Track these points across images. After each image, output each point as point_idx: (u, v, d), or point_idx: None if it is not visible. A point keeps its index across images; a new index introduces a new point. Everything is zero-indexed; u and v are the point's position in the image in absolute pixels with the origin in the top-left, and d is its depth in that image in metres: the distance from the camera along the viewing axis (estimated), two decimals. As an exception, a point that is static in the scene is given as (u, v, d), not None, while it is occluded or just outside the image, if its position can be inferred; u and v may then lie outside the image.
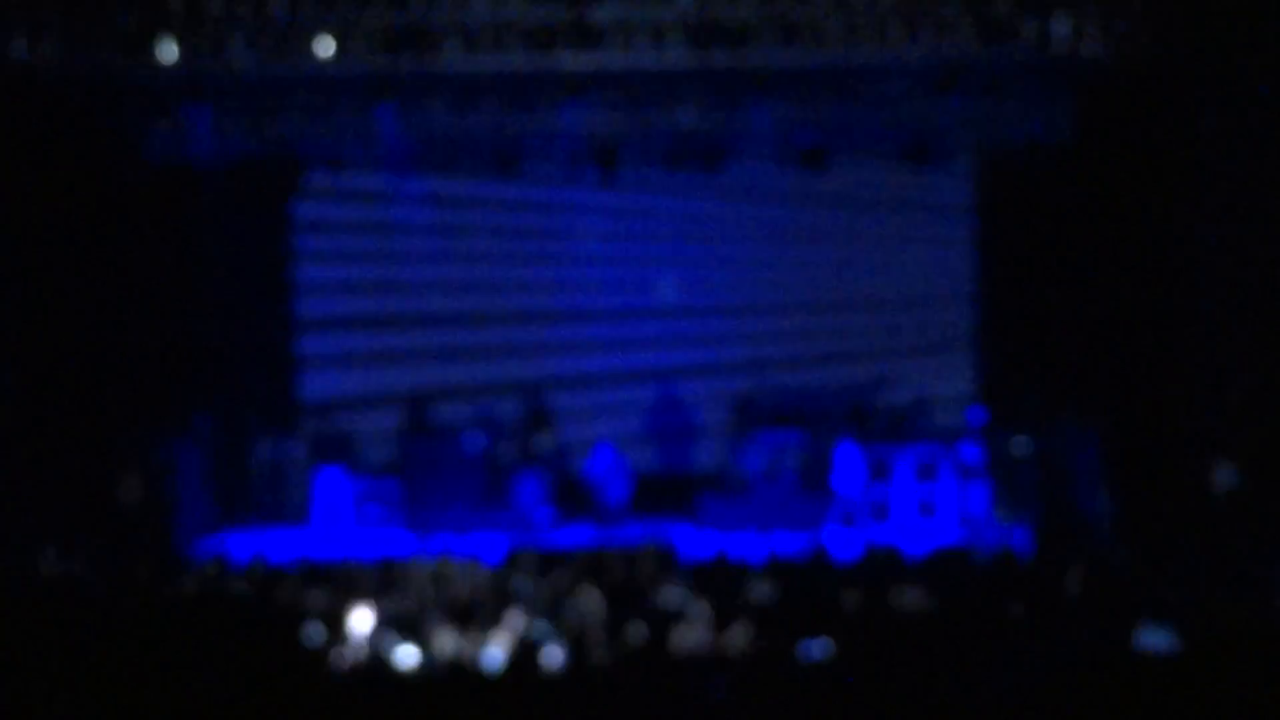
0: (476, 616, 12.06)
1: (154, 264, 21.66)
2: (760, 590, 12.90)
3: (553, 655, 10.76)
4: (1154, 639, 7.77)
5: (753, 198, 24.22)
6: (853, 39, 19.25)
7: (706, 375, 24.54)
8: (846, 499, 21.27)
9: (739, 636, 11.05)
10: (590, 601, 12.47)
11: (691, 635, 11.22)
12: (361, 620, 11.87)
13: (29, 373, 19.02)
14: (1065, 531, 18.71)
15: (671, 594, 12.85)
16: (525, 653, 10.83)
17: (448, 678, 10.17)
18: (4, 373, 18.75)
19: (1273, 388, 17.35)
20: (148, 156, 21.77)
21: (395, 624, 11.87)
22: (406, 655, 11.06)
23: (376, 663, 10.94)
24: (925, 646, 9.73)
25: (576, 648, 10.94)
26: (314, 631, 11.58)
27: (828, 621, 10.87)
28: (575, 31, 19.19)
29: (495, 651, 11.06)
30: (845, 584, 12.89)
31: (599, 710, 9.10)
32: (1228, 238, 18.28)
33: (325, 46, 19.02)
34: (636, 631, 11.22)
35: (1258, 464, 16.49)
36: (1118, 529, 18.53)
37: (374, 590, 13.37)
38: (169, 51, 18.84)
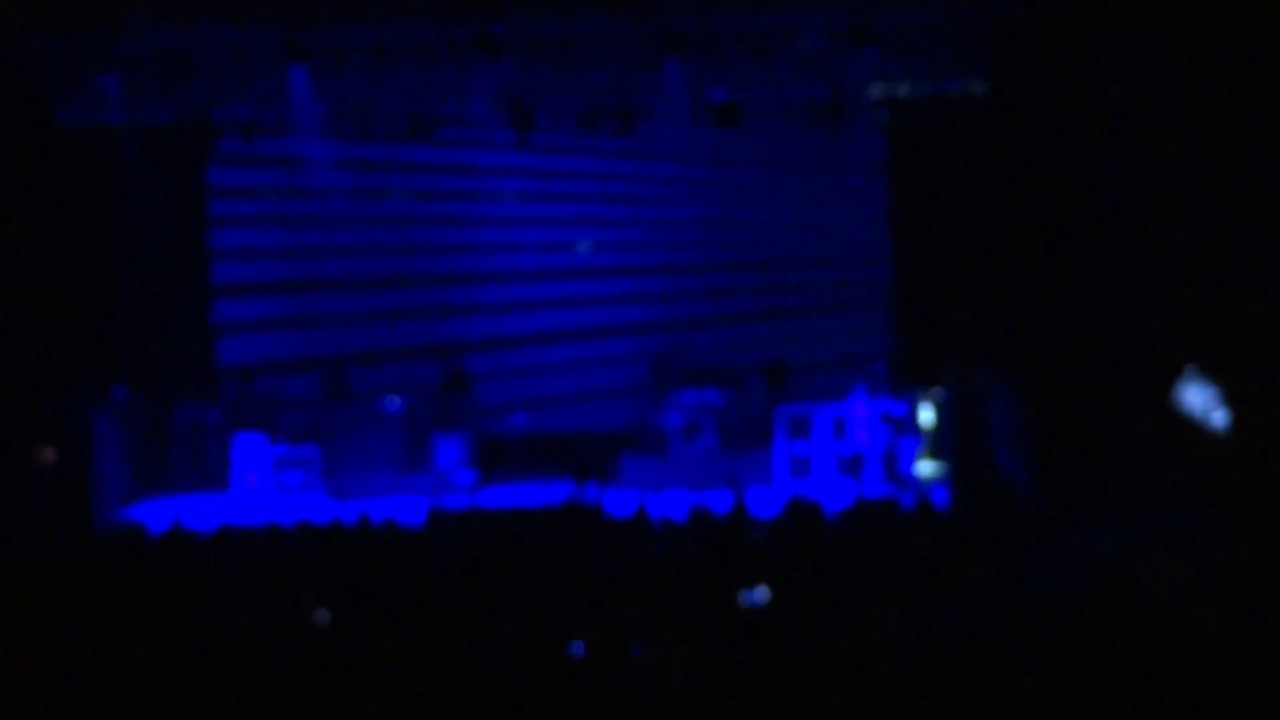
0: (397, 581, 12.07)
1: (68, 232, 21.55)
2: (682, 547, 12.95)
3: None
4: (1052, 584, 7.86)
5: (668, 157, 24.24)
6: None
7: (624, 335, 24.57)
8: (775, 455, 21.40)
9: (660, 593, 11.09)
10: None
11: (614, 593, 11.25)
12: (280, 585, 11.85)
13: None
14: (982, 484, 18.85)
15: (596, 552, 12.88)
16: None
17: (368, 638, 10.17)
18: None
19: (1185, 339, 17.52)
20: (61, 124, 21.64)
21: (314, 588, 11.86)
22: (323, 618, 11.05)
23: (295, 625, 10.92)
24: (844, 598, 9.81)
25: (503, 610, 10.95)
26: (234, 597, 11.56)
27: (750, 576, 10.93)
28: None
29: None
30: (766, 539, 12.97)
31: (524, 672, 9.12)
32: (1140, 188, 18.42)
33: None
34: (560, 591, 11.25)
35: (1169, 414, 16.66)
36: (1033, 481, 18.68)
37: (294, 555, 13.35)
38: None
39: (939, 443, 20.93)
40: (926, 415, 21.45)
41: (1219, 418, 14.50)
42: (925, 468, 21.31)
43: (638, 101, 22.30)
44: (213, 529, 14.42)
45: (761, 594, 10.23)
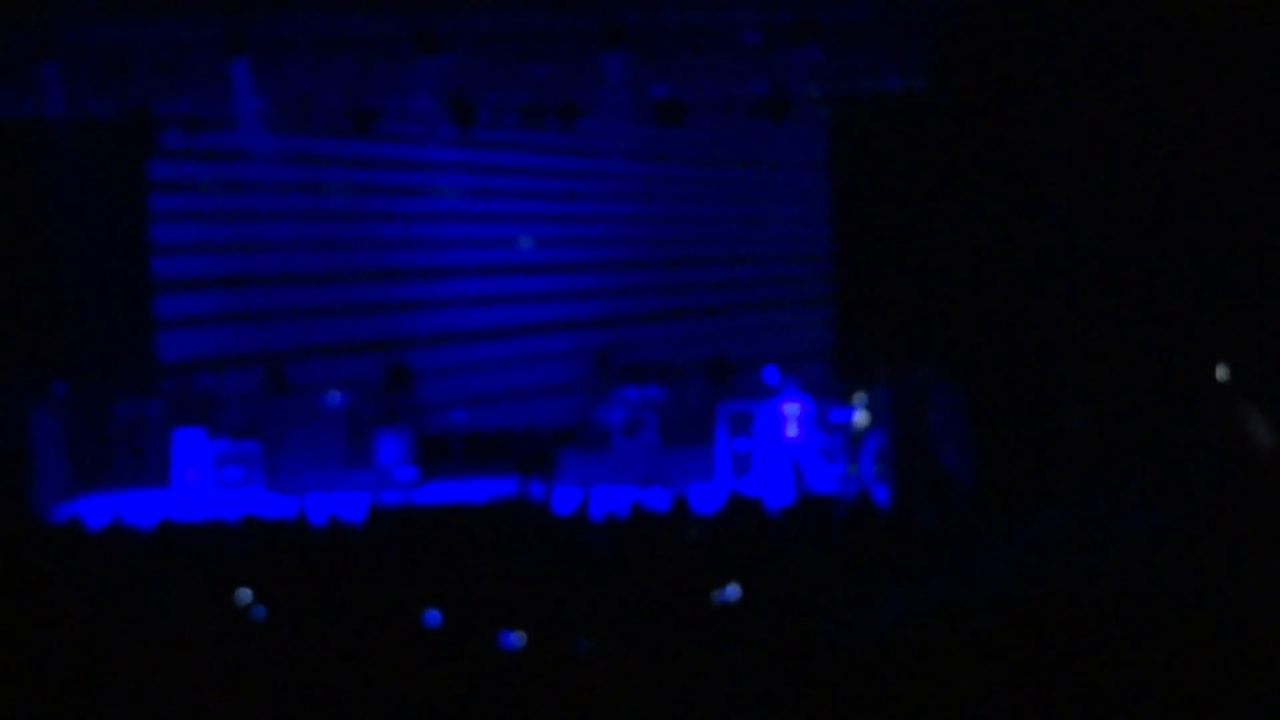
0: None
1: (6, 226, 21.43)
2: (623, 544, 12.96)
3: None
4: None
5: (609, 153, 24.25)
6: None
7: (566, 331, 24.58)
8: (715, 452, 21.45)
9: (601, 590, 11.10)
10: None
11: (555, 588, 11.25)
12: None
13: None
14: (923, 481, 18.92)
15: (538, 548, 12.89)
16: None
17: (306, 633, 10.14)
18: None
19: (1124, 335, 17.61)
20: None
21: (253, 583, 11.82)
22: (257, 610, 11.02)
23: (234, 621, 10.90)
24: (785, 594, 9.84)
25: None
26: (173, 592, 11.51)
27: (693, 574, 10.95)
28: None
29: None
30: (708, 536, 12.99)
31: (466, 665, 9.12)
32: (1078, 184, 18.51)
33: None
34: (500, 587, 11.25)
35: (1110, 410, 16.74)
36: (973, 479, 18.76)
37: (234, 550, 13.32)
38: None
39: (879, 441, 20.98)
40: (861, 413, 21.51)
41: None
42: (864, 466, 21.36)
43: (579, 97, 22.33)
44: (153, 525, 14.36)
45: (734, 592, 10.25)
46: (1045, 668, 3.93)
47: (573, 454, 21.74)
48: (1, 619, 9.46)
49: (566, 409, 23.51)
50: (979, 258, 20.10)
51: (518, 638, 9.41)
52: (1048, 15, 18.73)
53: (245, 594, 11.15)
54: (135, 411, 22.47)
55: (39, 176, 22.15)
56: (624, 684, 8.11)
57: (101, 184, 22.92)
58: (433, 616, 10.31)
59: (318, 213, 24.55)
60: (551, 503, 16.06)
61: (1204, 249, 16.73)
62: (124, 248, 23.56)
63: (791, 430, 21.12)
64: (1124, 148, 17.48)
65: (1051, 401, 18.45)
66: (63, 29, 20.46)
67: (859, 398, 21.69)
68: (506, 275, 24.77)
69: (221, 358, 23.96)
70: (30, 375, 21.03)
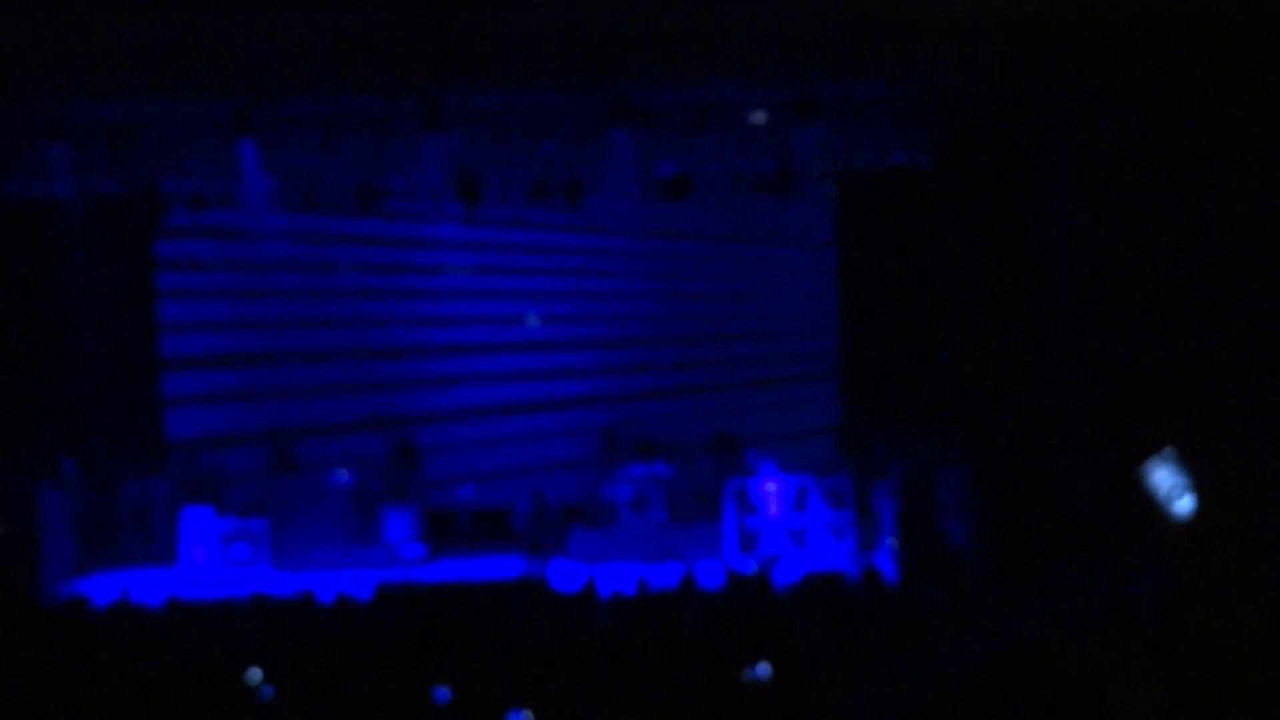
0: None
1: (14, 304, 21.49)
2: (631, 621, 12.95)
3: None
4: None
5: (616, 230, 24.28)
6: (714, 72, 19.40)
7: (573, 408, 24.57)
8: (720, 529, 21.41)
9: (609, 668, 11.08)
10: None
11: (563, 666, 11.24)
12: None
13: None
14: (929, 557, 18.89)
15: (544, 626, 12.88)
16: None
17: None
18: None
19: (1129, 413, 17.62)
20: (7, 195, 21.61)
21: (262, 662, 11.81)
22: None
23: (242, 699, 10.89)
24: (794, 671, 9.82)
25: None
26: (181, 671, 11.51)
27: (700, 650, 10.93)
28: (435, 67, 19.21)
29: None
30: (717, 613, 12.98)
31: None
32: (1086, 259, 18.55)
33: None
34: (507, 665, 11.24)
35: (1115, 486, 16.73)
36: (980, 554, 18.73)
37: (242, 629, 13.31)
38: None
39: (887, 517, 20.95)
40: (874, 489, 21.49)
41: (1184, 503, 14.54)
42: (873, 542, 21.34)
43: (586, 174, 22.36)
44: (160, 603, 14.36)
45: (764, 670, 10.24)
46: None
47: (580, 531, 21.70)
48: (10, 698, 9.46)
49: (574, 486, 23.47)
50: (986, 335, 20.13)
51: (525, 716, 9.41)
52: (1054, 94, 18.82)
53: (255, 673, 11.16)
54: (143, 490, 22.42)
55: (48, 255, 22.20)
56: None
57: (109, 262, 22.95)
58: (442, 694, 10.31)
59: (325, 291, 24.60)
60: (558, 581, 16.05)
61: (1210, 332, 16.77)
62: (132, 326, 23.58)
63: (801, 506, 21.12)
64: (1130, 227, 17.54)
65: (1058, 480, 18.46)
66: (71, 109, 20.55)
67: (868, 473, 21.67)
68: (514, 352, 24.78)
69: (229, 436, 23.95)
70: (38, 453, 21.03)
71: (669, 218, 24.25)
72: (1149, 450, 15.11)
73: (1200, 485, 14.51)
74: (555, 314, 24.87)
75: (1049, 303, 19.22)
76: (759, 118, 21.25)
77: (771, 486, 21.25)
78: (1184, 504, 14.35)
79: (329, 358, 24.42)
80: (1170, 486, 14.44)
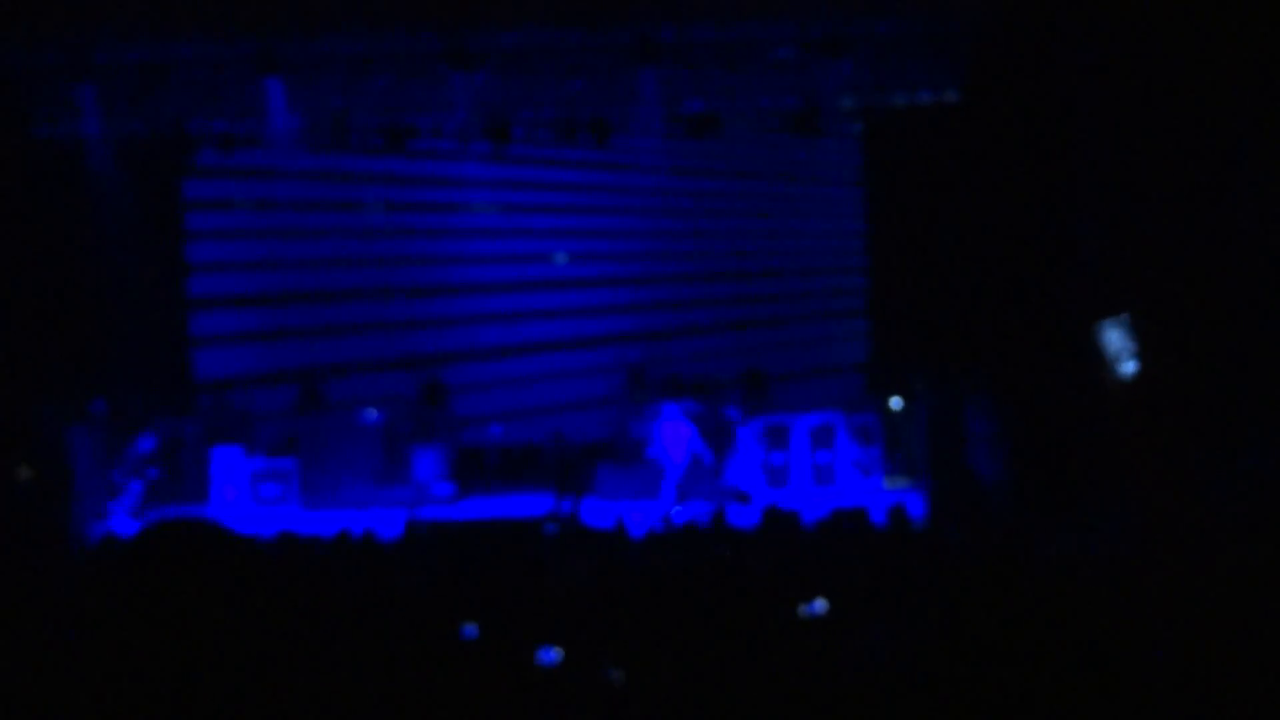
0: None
1: (44, 245, 21.52)
2: (661, 557, 12.98)
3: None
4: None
5: (643, 168, 24.25)
6: (741, 8, 19.36)
7: (601, 346, 24.59)
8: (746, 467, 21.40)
9: (639, 605, 11.11)
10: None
11: (593, 603, 11.27)
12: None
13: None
14: (957, 493, 18.89)
15: (574, 563, 12.91)
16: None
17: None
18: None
19: (1158, 345, 17.57)
20: (36, 136, 21.65)
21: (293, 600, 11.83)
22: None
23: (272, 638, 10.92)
24: (801, 610, 9.85)
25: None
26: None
27: (729, 588, 10.96)
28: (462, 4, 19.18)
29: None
30: (745, 549, 13.00)
31: (504, 680, 9.14)
32: (1113, 192, 18.48)
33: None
34: (536, 603, 11.27)
35: (1141, 419, 16.71)
36: (1008, 488, 18.72)
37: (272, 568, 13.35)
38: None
39: (915, 453, 20.95)
40: (902, 425, 21.50)
41: (1128, 366, 14.73)
42: (900, 478, 21.37)
43: (613, 113, 22.33)
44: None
45: (820, 606, 10.24)
46: (1086, 676, 3.94)
47: (608, 468, 21.73)
48: (44, 637, 9.52)
49: (602, 423, 23.49)
50: (1014, 268, 20.07)
51: (556, 653, 9.44)
52: (1080, 25, 18.71)
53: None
54: (173, 430, 22.50)
55: (76, 196, 22.22)
56: (661, 699, 8.14)
57: (137, 203, 22.98)
58: (470, 631, 10.34)
59: (353, 230, 24.63)
60: (587, 518, 16.08)
61: (1241, 258, 16.69)
62: (160, 266, 23.64)
63: (829, 443, 21.15)
64: (1157, 156, 17.45)
65: (1086, 413, 18.42)
66: (99, 50, 20.56)
67: (896, 409, 21.69)
68: (541, 291, 24.80)
69: (258, 375, 24.03)
70: (68, 395, 21.09)
71: (696, 155, 24.23)
72: (1182, 381, 15.10)
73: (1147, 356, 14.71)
74: (582, 252, 24.88)
75: (1076, 233, 19.15)
76: (786, 54, 21.18)
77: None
78: (1128, 366, 14.59)
79: (357, 297, 24.47)
80: (1119, 348, 14.67)
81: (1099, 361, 14.84)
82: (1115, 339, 14.63)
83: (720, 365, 24.00)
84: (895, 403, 21.88)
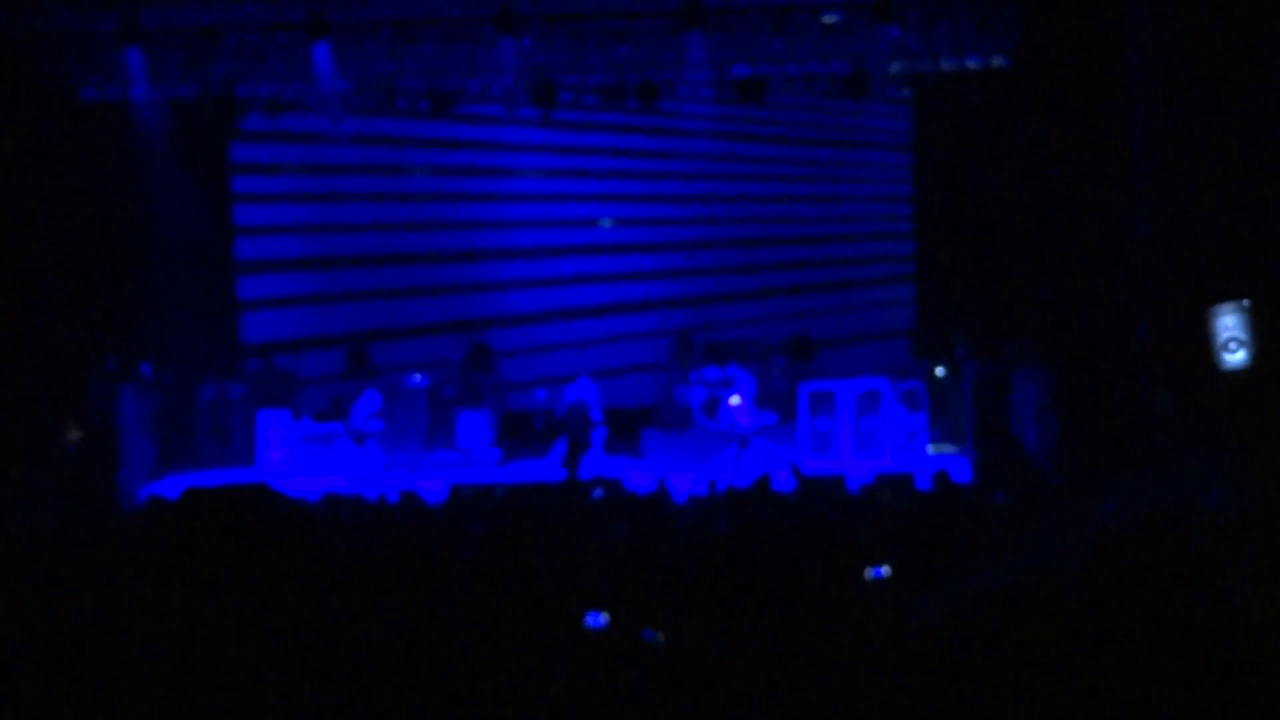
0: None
1: (92, 209, 21.60)
2: (706, 522, 12.97)
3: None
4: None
5: (690, 133, 24.22)
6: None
7: (647, 311, 24.58)
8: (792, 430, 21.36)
9: (685, 570, 11.10)
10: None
11: (639, 568, 11.26)
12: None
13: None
14: (1003, 460, 18.83)
15: (617, 528, 12.91)
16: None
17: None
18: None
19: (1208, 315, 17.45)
20: (85, 99, 21.72)
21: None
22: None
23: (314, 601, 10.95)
24: (865, 574, 9.82)
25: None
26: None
27: (773, 552, 10.94)
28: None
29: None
30: (789, 514, 12.98)
31: (551, 645, 9.15)
32: (1164, 161, 18.34)
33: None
34: (580, 568, 11.27)
35: (1192, 390, 16.60)
36: (1054, 456, 18.66)
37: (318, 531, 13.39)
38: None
39: (961, 419, 20.89)
40: (949, 391, 21.44)
41: (1237, 356, 14.41)
42: (946, 443, 21.32)
43: (660, 77, 22.29)
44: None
45: (884, 570, 10.22)
46: (1127, 643, 3.92)
47: (653, 433, 21.74)
48: (88, 598, 9.56)
49: (648, 389, 23.50)
50: (1063, 236, 19.96)
51: (603, 617, 9.44)
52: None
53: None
54: (220, 392, 22.58)
55: (124, 160, 22.28)
56: (704, 663, 8.13)
57: (185, 166, 23.04)
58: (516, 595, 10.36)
59: (400, 194, 24.66)
60: (631, 482, 16.06)
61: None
62: (208, 230, 23.71)
63: (874, 409, 21.08)
64: (1213, 123, 17.30)
65: (1135, 383, 18.33)
66: (147, 14, 20.60)
67: (943, 375, 21.63)
68: (588, 256, 24.80)
69: (304, 339, 24.10)
70: (117, 357, 21.17)
71: (743, 120, 24.18)
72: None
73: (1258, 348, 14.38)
74: (628, 217, 24.86)
75: (1127, 204, 19.03)
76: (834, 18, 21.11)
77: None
78: (1237, 357, 14.25)
79: (404, 261, 24.50)
80: (1229, 336, 14.34)
81: (1203, 347, 14.65)
82: (1228, 326, 14.36)
83: (767, 331, 23.98)
84: (941, 369, 21.83)
